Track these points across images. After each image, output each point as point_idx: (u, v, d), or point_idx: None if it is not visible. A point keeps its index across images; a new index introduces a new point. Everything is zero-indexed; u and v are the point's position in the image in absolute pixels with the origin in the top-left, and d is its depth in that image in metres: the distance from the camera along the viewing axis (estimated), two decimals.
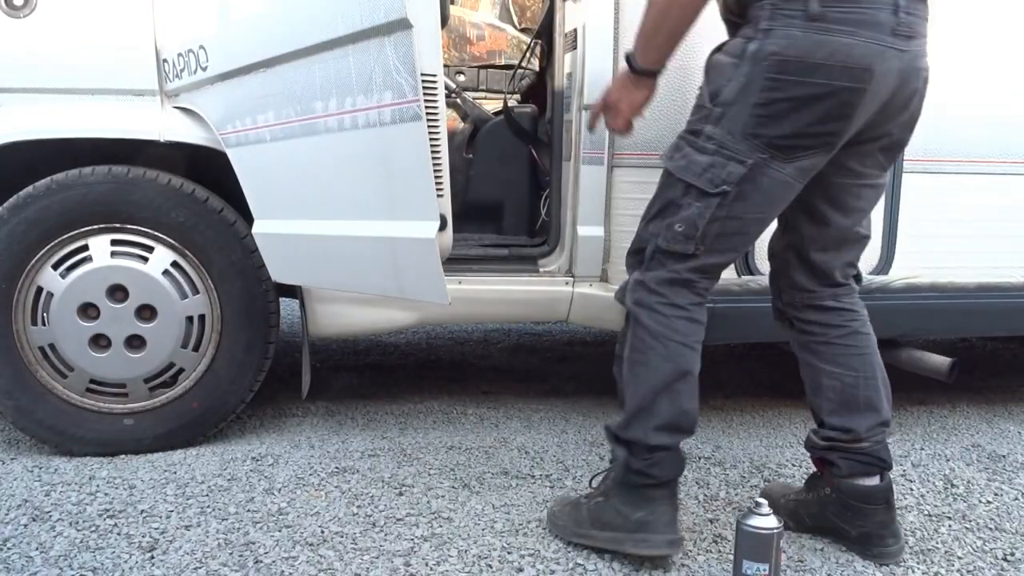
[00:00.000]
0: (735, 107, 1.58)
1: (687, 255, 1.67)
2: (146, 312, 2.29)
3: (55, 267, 2.26)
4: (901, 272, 2.59)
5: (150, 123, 2.26)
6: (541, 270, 2.57)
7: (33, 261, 2.24)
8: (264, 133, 2.07)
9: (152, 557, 1.76)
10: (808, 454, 1.96)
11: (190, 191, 2.29)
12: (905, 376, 2.66)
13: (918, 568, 1.81)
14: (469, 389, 3.08)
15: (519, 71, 3.02)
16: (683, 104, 2.44)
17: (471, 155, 2.95)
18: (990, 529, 2.01)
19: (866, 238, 1.84)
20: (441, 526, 1.93)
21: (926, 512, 2.09)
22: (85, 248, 2.26)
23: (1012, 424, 2.83)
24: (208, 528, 1.89)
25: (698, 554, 1.83)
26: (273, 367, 2.47)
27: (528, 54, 2.97)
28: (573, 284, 2.56)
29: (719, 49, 1.66)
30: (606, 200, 2.48)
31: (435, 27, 1.77)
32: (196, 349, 2.35)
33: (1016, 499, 2.19)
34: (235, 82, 2.11)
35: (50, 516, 1.94)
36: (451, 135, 2.88)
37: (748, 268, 2.52)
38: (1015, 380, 3.41)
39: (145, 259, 2.29)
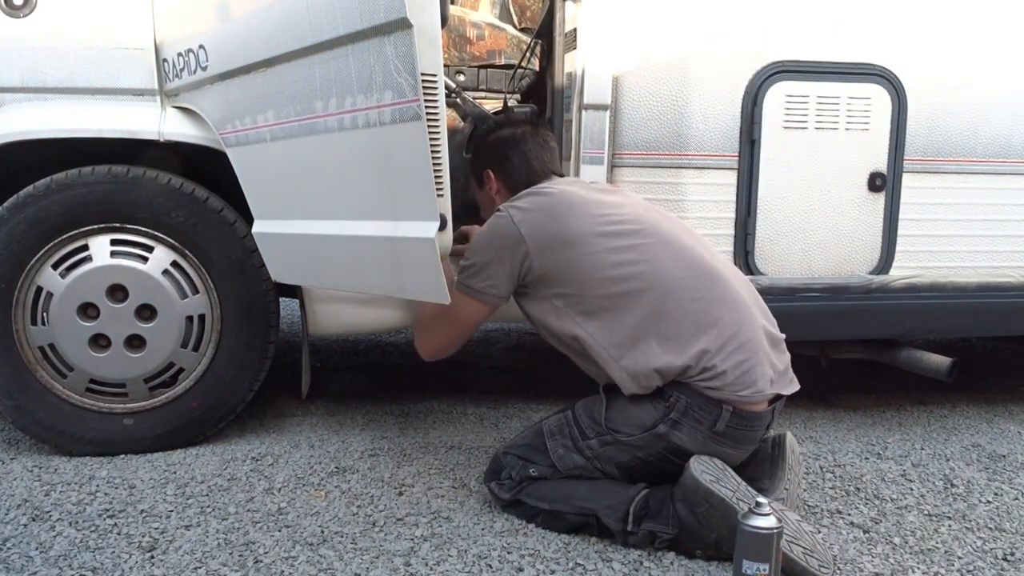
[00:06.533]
0: (621, 447, 1.89)
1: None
2: (146, 312, 2.29)
3: (55, 267, 2.26)
4: (901, 272, 2.59)
5: (150, 123, 2.26)
6: None
7: (33, 261, 2.24)
8: (264, 133, 2.07)
9: (152, 557, 1.76)
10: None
11: (190, 191, 2.29)
12: (905, 376, 2.66)
13: (918, 568, 1.81)
14: (469, 389, 3.08)
15: (519, 71, 3.02)
16: (681, 105, 2.44)
17: (471, 155, 2.94)
18: (990, 529, 2.01)
19: None
20: (441, 526, 1.92)
21: (926, 512, 2.09)
22: (85, 248, 2.26)
23: (1012, 424, 2.83)
24: (208, 528, 1.89)
25: (696, 549, 1.83)
26: (273, 367, 2.47)
27: (528, 54, 2.97)
28: None
29: (633, 400, 1.89)
30: None
31: (435, 27, 1.77)
32: (196, 349, 2.34)
33: (1016, 499, 2.19)
34: (235, 82, 2.11)
35: (50, 516, 1.94)
36: (451, 135, 2.87)
37: (748, 268, 2.53)
38: (1015, 380, 3.41)
39: (145, 259, 2.29)
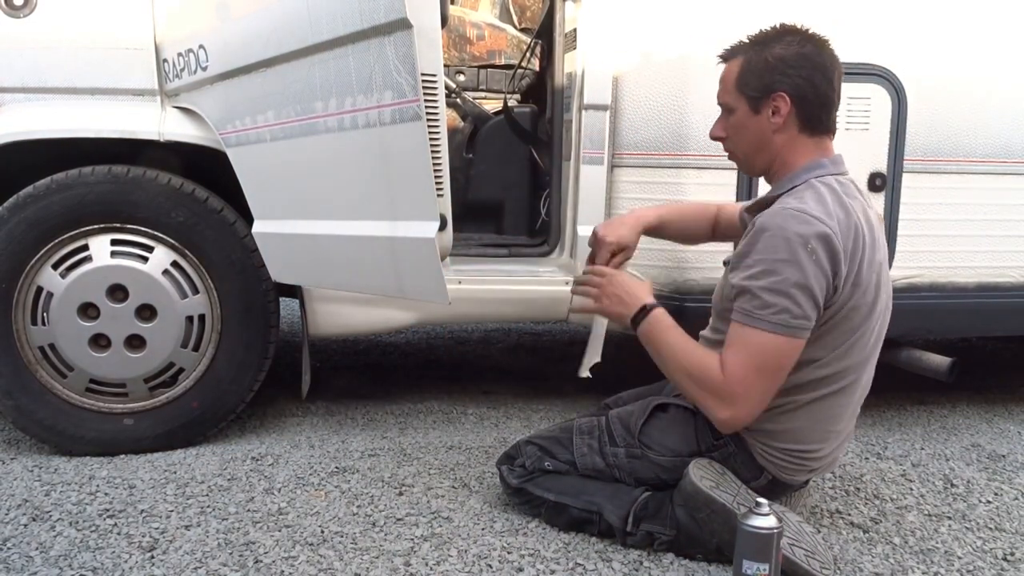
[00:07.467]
0: (648, 464, 1.85)
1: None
2: (146, 312, 2.29)
3: (55, 267, 2.26)
4: (901, 272, 2.59)
5: (150, 123, 2.26)
6: (540, 269, 2.57)
7: (33, 261, 2.24)
8: (264, 133, 2.07)
9: (152, 557, 1.76)
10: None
11: (190, 191, 2.29)
12: (905, 376, 2.66)
13: (918, 568, 1.81)
14: (469, 389, 3.08)
15: (519, 71, 3.02)
16: (681, 105, 2.44)
17: (471, 155, 2.94)
18: (990, 529, 2.01)
19: None
20: (441, 526, 1.93)
21: (926, 512, 2.09)
22: (85, 248, 2.26)
23: (1012, 424, 2.83)
24: (208, 528, 1.89)
25: (698, 554, 1.83)
26: (273, 367, 2.47)
27: (528, 54, 2.97)
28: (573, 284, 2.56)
29: (678, 424, 1.85)
30: (606, 200, 2.48)
31: (435, 27, 1.77)
32: (196, 349, 2.35)
33: (1016, 499, 2.19)
34: (235, 82, 2.11)
35: (50, 516, 1.94)
36: (451, 135, 2.88)
37: None
38: (1015, 380, 3.41)
39: (145, 259, 2.29)
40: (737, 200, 2.49)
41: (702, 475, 1.75)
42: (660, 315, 1.81)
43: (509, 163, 2.90)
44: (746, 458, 1.81)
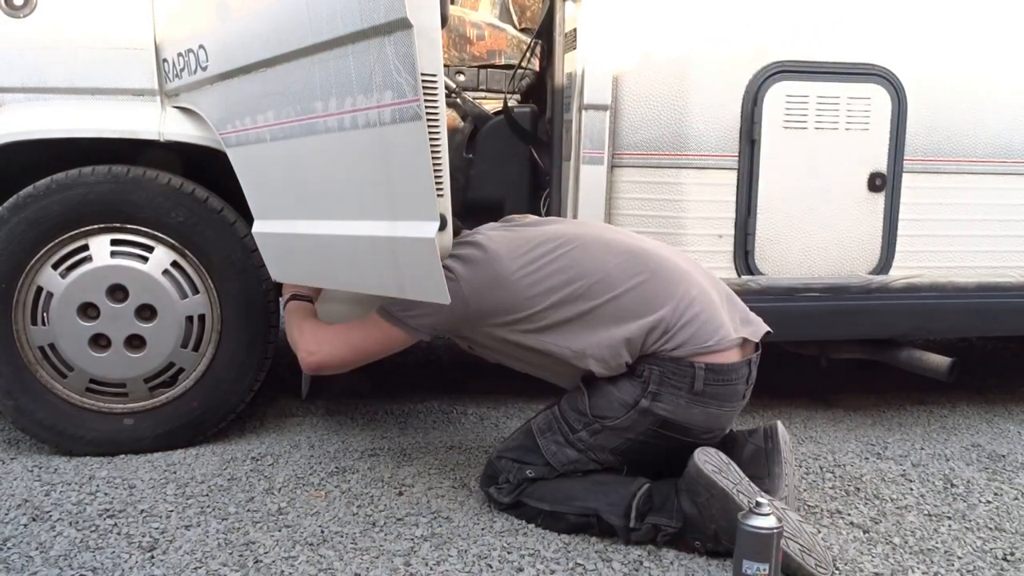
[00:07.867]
0: (611, 432, 1.91)
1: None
2: (146, 312, 2.29)
3: (55, 267, 2.26)
4: (901, 272, 2.59)
5: (150, 123, 2.26)
6: None
7: (33, 261, 2.24)
8: (264, 133, 2.07)
9: (152, 557, 1.76)
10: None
11: (190, 191, 2.29)
12: (905, 376, 2.66)
13: (918, 568, 1.81)
14: (469, 389, 3.08)
15: (519, 71, 3.02)
16: (681, 105, 2.44)
17: (471, 155, 2.94)
18: (990, 529, 2.01)
19: None
20: (441, 526, 1.93)
21: (926, 512, 2.09)
22: (85, 248, 2.26)
23: (1012, 424, 2.83)
24: (208, 528, 1.89)
25: (698, 556, 1.83)
26: (273, 367, 2.47)
27: (528, 54, 2.97)
28: None
29: (611, 382, 1.93)
30: (606, 200, 2.48)
31: (435, 27, 1.77)
32: (196, 349, 2.35)
33: (1016, 499, 2.19)
34: (235, 82, 2.11)
35: (50, 516, 1.94)
36: (451, 135, 2.87)
37: (748, 268, 2.53)
38: (1015, 380, 3.41)
39: (145, 259, 2.29)
40: (736, 200, 2.49)
41: (705, 459, 1.79)
42: (291, 305, 2.19)
43: (509, 163, 2.90)
44: (672, 366, 1.87)
